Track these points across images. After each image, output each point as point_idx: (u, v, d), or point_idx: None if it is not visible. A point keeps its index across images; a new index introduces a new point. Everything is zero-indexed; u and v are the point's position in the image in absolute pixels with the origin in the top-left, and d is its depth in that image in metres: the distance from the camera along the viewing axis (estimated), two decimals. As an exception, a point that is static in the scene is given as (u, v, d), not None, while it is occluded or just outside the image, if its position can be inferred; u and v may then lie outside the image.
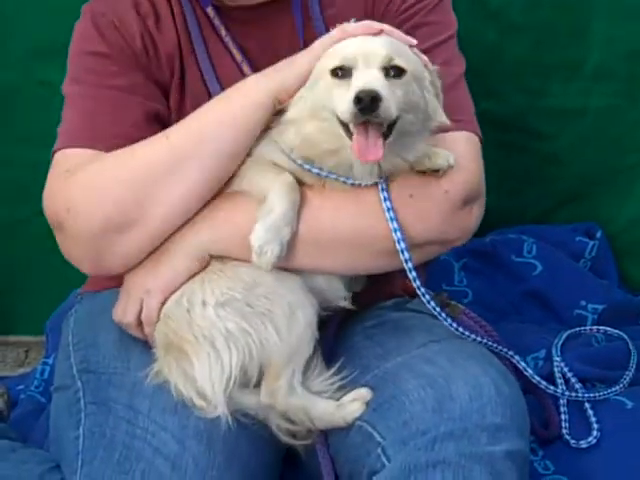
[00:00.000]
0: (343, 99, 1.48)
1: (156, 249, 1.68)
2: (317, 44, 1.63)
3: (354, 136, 1.50)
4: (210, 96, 1.78)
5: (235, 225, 1.63)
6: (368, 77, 1.49)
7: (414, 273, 1.62)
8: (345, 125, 1.52)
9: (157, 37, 1.81)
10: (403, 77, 1.53)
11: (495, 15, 2.64)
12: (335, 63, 1.54)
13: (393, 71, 1.52)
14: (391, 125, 1.51)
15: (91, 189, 1.65)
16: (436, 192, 1.64)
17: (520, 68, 2.69)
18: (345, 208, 1.64)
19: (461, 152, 1.66)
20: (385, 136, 1.50)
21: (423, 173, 1.62)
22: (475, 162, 1.72)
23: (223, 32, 1.82)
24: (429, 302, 1.68)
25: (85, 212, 1.64)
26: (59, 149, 1.74)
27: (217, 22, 1.82)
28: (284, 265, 1.61)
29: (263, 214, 1.57)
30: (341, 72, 1.53)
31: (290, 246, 1.60)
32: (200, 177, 1.64)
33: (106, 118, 1.74)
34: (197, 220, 1.67)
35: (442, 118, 1.62)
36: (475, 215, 1.71)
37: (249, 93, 1.65)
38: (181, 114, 1.77)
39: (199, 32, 1.82)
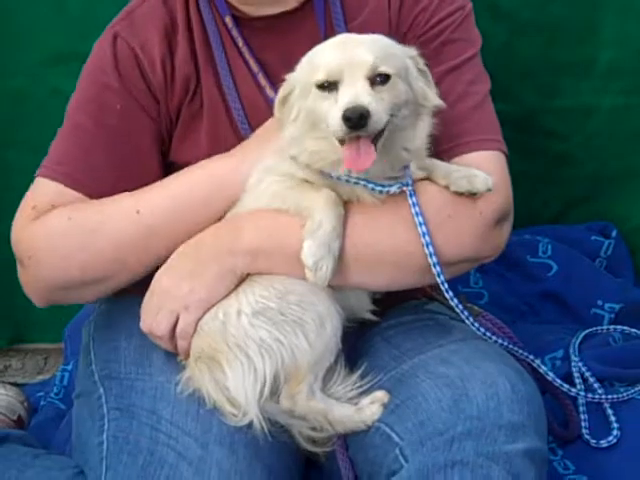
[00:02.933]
0: (332, 115, 1.49)
1: (193, 261, 1.68)
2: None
3: (345, 148, 1.50)
4: (227, 109, 1.81)
5: (278, 244, 1.63)
6: (354, 92, 1.49)
7: (446, 285, 1.63)
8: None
9: (176, 56, 1.81)
10: (389, 81, 1.54)
11: (506, 15, 2.64)
12: (320, 77, 1.53)
13: (379, 78, 1.53)
14: (382, 129, 1.52)
15: (56, 249, 1.71)
16: (472, 213, 1.65)
17: (532, 68, 2.70)
18: (386, 225, 1.65)
19: (492, 172, 1.67)
20: (376, 139, 1.51)
21: (460, 194, 1.64)
22: (505, 182, 1.74)
23: (240, 42, 1.83)
24: (463, 312, 1.68)
25: (48, 268, 1.72)
26: (42, 175, 1.78)
27: (235, 33, 1.83)
28: (335, 283, 1.61)
29: (312, 231, 1.57)
30: (327, 84, 1.53)
31: (338, 264, 1.60)
32: (170, 249, 1.70)
33: (98, 161, 1.77)
34: (236, 240, 1.66)
35: (436, 101, 1.62)
36: (505, 232, 1.74)
37: (218, 174, 1.70)
38: (195, 132, 1.81)
39: (221, 45, 1.82)
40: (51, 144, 1.82)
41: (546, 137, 2.77)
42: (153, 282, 1.71)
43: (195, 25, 1.83)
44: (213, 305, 1.64)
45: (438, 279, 1.62)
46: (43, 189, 1.77)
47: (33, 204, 1.75)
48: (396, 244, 1.64)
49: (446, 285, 1.64)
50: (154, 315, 1.69)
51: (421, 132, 1.62)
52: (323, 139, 1.57)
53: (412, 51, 1.63)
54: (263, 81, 1.82)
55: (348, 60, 1.52)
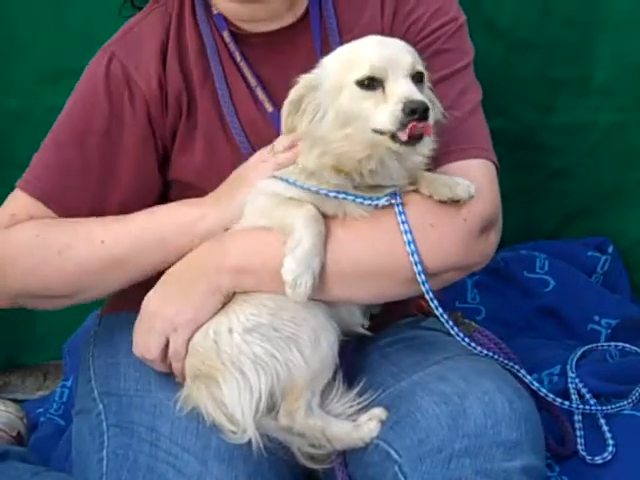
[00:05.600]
0: (381, 110, 1.51)
1: (178, 282, 1.70)
2: (253, 176, 1.69)
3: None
4: (224, 126, 1.82)
5: (262, 260, 1.64)
6: (410, 87, 1.52)
7: (431, 294, 1.64)
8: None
9: (169, 77, 1.82)
10: (424, 82, 1.58)
11: (503, 33, 2.66)
12: (363, 73, 1.54)
13: (417, 77, 1.56)
14: None
15: (19, 263, 1.76)
16: (456, 221, 1.65)
17: (529, 85, 2.72)
18: (367, 237, 1.65)
19: (479, 180, 1.67)
20: None
21: (443, 202, 1.64)
22: (492, 190, 1.73)
23: (238, 57, 1.84)
24: (447, 322, 1.69)
25: (10, 278, 1.78)
26: (20, 188, 1.82)
27: (232, 47, 1.84)
28: (316, 297, 1.62)
29: (292, 247, 1.58)
30: (368, 82, 1.54)
31: (320, 279, 1.60)
32: (134, 278, 1.76)
33: (73, 178, 1.80)
34: (222, 259, 1.67)
35: (438, 111, 1.64)
36: (492, 241, 1.73)
37: (183, 222, 1.73)
38: (190, 150, 1.82)
39: (218, 57, 1.84)
40: (34, 155, 1.85)
41: (543, 153, 2.79)
42: (142, 305, 1.73)
43: (190, 41, 1.84)
44: (202, 324, 1.66)
45: (423, 287, 1.62)
46: (20, 201, 1.82)
47: (11, 212, 1.80)
48: (379, 257, 1.65)
49: (431, 294, 1.63)
50: (145, 339, 1.71)
51: (431, 138, 1.62)
52: (352, 138, 1.57)
53: (424, 63, 1.64)
54: (262, 96, 1.83)
55: (391, 58, 1.54)
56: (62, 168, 1.81)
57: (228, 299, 1.67)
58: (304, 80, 1.62)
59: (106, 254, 1.73)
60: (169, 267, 1.73)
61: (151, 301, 1.72)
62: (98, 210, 1.79)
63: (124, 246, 1.74)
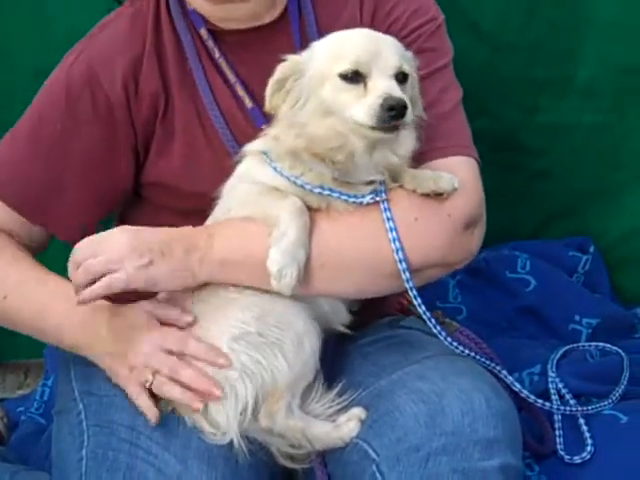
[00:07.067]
0: (361, 104, 1.53)
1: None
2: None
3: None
4: (203, 125, 1.81)
5: (246, 253, 1.64)
6: (390, 84, 1.53)
7: (415, 291, 1.64)
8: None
9: (142, 77, 1.80)
10: (407, 82, 1.59)
11: (487, 34, 2.67)
12: (348, 67, 1.55)
13: (400, 76, 1.57)
14: None
15: None
16: (440, 215, 1.66)
17: (512, 86, 2.73)
18: (352, 231, 1.65)
19: (462, 177, 1.68)
20: None
21: (427, 196, 1.64)
22: (476, 186, 1.74)
23: (217, 53, 1.83)
24: (430, 320, 1.69)
25: None
26: None
27: (211, 44, 1.83)
28: (301, 291, 1.62)
29: (276, 239, 1.58)
30: (352, 75, 1.55)
31: (304, 272, 1.61)
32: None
33: (26, 171, 1.80)
34: (203, 248, 1.65)
35: (418, 111, 1.66)
36: (476, 238, 1.74)
37: (60, 317, 1.75)
38: (168, 153, 1.82)
39: (196, 54, 1.83)
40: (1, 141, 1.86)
41: (525, 154, 2.81)
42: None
43: (167, 40, 1.83)
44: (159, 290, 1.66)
45: (407, 285, 1.63)
46: None
47: None
48: (363, 250, 1.65)
49: (415, 291, 1.64)
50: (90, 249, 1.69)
51: (410, 139, 1.64)
52: (327, 127, 1.58)
53: (416, 61, 1.66)
54: (241, 91, 1.83)
55: (376, 55, 1.56)
56: (15, 162, 1.82)
57: (195, 287, 1.66)
58: (291, 61, 1.62)
59: (7, 308, 1.79)
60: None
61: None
62: (52, 205, 1.81)
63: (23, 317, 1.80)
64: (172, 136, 1.83)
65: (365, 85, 1.55)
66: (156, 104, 1.81)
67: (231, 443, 1.60)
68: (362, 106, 1.53)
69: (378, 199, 1.63)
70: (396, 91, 1.52)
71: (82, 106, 1.79)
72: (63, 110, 1.79)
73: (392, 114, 1.50)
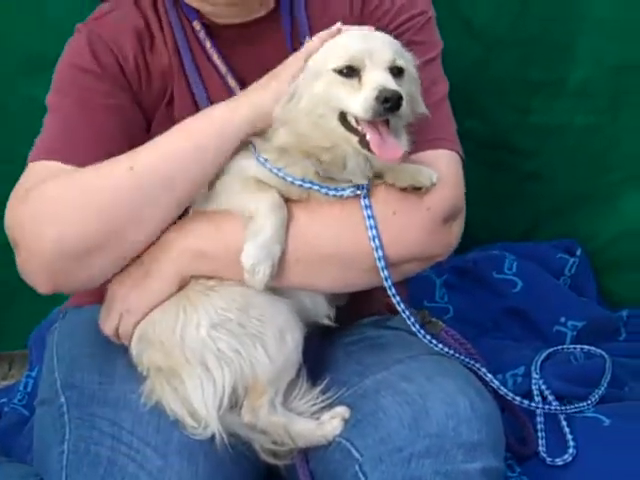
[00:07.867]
0: (356, 97, 1.53)
1: (140, 264, 1.68)
2: (284, 74, 1.65)
3: (371, 135, 1.53)
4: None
5: (223, 245, 1.65)
6: (385, 77, 1.54)
7: (394, 290, 1.65)
8: (346, 123, 1.56)
9: (150, 58, 1.82)
10: (403, 77, 1.59)
11: (480, 33, 2.67)
12: (342, 63, 1.56)
13: (396, 71, 1.57)
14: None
15: (50, 215, 1.61)
16: (418, 209, 1.66)
17: (504, 85, 2.72)
18: (331, 225, 1.66)
19: (443, 170, 1.69)
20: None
21: (405, 190, 1.65)
22: (457, 181, 1.75)
23: (208, 44, 1.84)
24: (409, 318, 1.70)
25: (43, 238, 1.60)
26: (32, 161, 1.73)
27: (202, 35, 1.84)
28: (275, 285, 1.62)
29: (252, 233, 1.59)
30: (346, 70, 1.56)
31: (280, 265, 1.61)
32: (169, 206, 1.65)
33: (86, 135, 1.74)
34: (181, 242, 1.67)
35: (421, 109, 1.66)
36: (455, 232, 1.74)
37: (217, 122, 1.65)
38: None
39: (188, 48, 1.84)
40: (38, 136, 1.78)
41: (516, 154, 2.80)
42: (109, 286, 1.72)
43: (166, 29, 1.84)
44: (155, 307, 1.66)
45: (385, 283, 1.63)
46: (34, 171, 1.71)
47: (26, 186, 1.67)
48: (341, 244, 1.66)
49: (393, 289, 1.65)
50: (104, 316, 1.73)
51: (402, 138, 1.63)
52: (318, 124, 1.58)
53: (414, 59, 1.67)
54: (232, 82, 1.83)
55: (371, 50, 1.57)
56: (72, 130, 1.74)
57: (184, 285, 1.67)
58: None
59: (137, 183, 1.62)
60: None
61: (114, 282, 1.71)
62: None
63: (156, 171, 1.63)
64: (170, 124, 1.78)
65: (360, 79, 1.55)
66: (165, 86, 1.83)
67: (213, 439, 1.60)
68: (357, 99, 1.53)
69: (359, 192, 1.63)
70: (391, 83, 1.53)
71: (116, 73, 1.78)
72: (100, 75, 1.77)
73: (387, 106, 1.50)
